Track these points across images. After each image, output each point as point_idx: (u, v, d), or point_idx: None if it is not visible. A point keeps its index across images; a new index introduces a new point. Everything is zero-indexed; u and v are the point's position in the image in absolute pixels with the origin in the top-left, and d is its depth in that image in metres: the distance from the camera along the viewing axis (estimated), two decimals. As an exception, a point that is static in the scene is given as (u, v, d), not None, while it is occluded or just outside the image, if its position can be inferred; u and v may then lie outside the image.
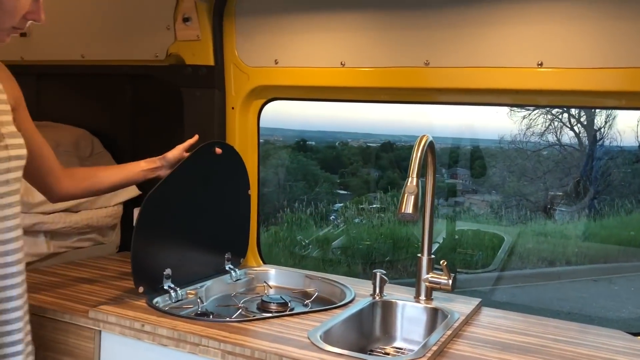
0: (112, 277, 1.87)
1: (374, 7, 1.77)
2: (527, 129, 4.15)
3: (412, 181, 1.48)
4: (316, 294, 1.79)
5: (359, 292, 1.74)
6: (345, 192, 4.99)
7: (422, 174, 1.56)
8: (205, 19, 1.96)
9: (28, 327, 1.28)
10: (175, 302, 1.62)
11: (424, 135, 1.57)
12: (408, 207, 1.45)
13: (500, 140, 4.25)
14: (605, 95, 1.60)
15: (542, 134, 4.18)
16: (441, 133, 4.20)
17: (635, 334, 1.57)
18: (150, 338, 1.39)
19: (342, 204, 4.88)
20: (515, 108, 4.01)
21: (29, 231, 1.89)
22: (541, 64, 1.59)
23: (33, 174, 1.38)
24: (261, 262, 2.12)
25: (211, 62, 1.99)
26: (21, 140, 1.24)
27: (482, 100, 1.80)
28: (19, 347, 1.23)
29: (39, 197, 1.80)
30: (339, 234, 4.70)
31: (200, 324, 1.41)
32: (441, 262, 1.67)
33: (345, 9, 1.82)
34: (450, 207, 4.47)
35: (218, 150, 1.75)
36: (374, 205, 4.83)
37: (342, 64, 1.83)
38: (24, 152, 1.24)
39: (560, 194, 4.30)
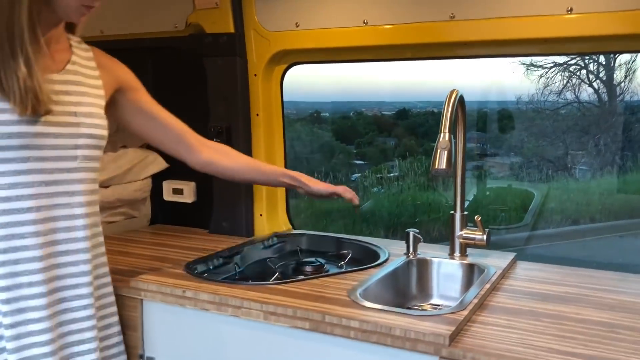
0: (147, 248, 1.89)
1: (396, -39, 1.74)
2: (545, 87, 4.01)
3: (444, 136, 1.46)
4: (350, 255, 1.80)
5: (393, 252, 1.74)
6: (362, 162, 4.90)
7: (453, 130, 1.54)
8: (223, -14, 1.93)
9: (101, 302, 1.32)
10: (212, 269, 1.64)
11: (454, 90, 1.55)
12: (442, 162, 1.44)
13: (518, 101, 4.14)
14: (634, 38, 1.56)
15: (560, 92, 4.05)
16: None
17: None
18: (192, 303, 1.41)
19: (359, 174, 4.82)
20: (532, 67, 3.89)
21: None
22: (571, 10, 1.55)
23: (164, 143, 1.52)
24: (291, 227, 2.13)
25: (231, 30, 1.97)
26: (98, 122, 1.27)
27: (510, 51, 1.77)
28: (91, 322, 1.27)
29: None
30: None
31: (240, 287, 1.43)
32: (475, 217, 1.66)
33: (365, -34, 1.78)
34: (469, 171, 4.41)
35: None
36: (392, 174, 4.78)
37: (364, 22, 1.80)
38: (97, 132, 1.27)
39: (581, 152, 4.20)
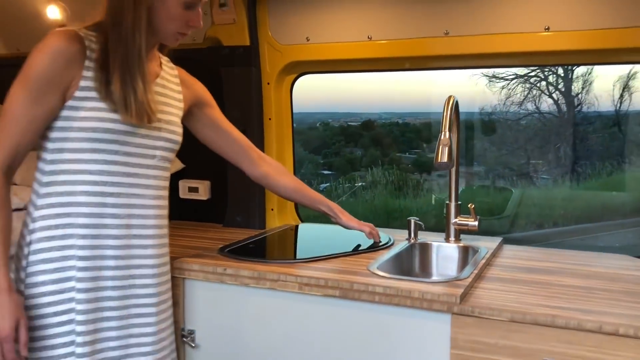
0: (173, 239, 2.08)
1: (397, -15, 2.00)
2: (507, 98, 4.15)
3: (445, 135, 1.72)
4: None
5: (396, 238, 1.99)
6: (330, 172, 5.01)
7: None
8: (240, 3, 2.16)
9: (160, 279, 1.51)
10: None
11: (451, 96, 1.81)
12: (443, 157, 1.70)
13: (481, 112, 4.28)
14: (603, 52, 1.85)
15: (521, 103, 4.18)
16: (424, 108, 4.18)
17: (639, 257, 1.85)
18: (233, 279, 1.63)
19: (327, 184, 4.89)
20: (494, 79, 4.04)
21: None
22: (548, 29, 1.83)
23: (229, 153, 1.78)
24: (299, 220, 2.36)
25: (247, 43, 2.20)
26: (175, 129, 1.50)
27: (496, 63, 2.06)
28: (153, 299, 1.48)
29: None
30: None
31: (275, 264, 1.65)
32: (469, 205, 1.92)
33: (370, -12, 2.04)
34: (434, 181, 4.51)
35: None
36: (361, 183, 4.83)
37: (369, 37, 2.06)
38: (174, 137, 1.50)
39: (541, 162, 4.37)
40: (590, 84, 3.90)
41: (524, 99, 4.13)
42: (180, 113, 1.56)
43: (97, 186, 1.36)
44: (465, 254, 1.89)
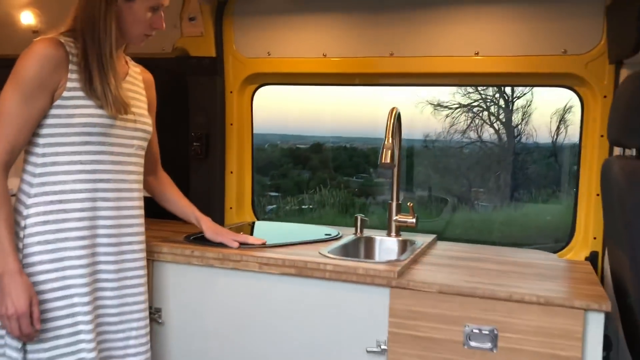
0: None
1: (350, 9, 2.27)
2: (450, 126, 4.25)
3: (388, 140, 1.98)
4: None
5: (344, 233, 2.23)
6: (277, 194, 4.96)
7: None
8: (208, 18, 2.39)
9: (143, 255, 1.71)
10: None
11: (394, 107, 2.08)
12: (387, 158, 1.96)
13: (425, 140, 4.36)
14: (523, 75, 2.17)
15: (464, 132, 4.29)
16: (371, 134, 4.20)
17: (554, 253, 2.16)
18: (199, 261, 1.83)
19: (274, 206, 4.85)
20: (439, 107, 4.12)
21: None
22: (477, 53, 2.14)
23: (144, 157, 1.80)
24: (255, 218, 2.57)
25: (213, 54, 2.42)
26: (147, 120, 1.70)
27: (433, 81, 2.35)
28: (142, 272, 1.70)
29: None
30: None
31: (238, 249, 1.86)
32: (408, 203, 2.18)
33: (326, 11, 2.30)
34: (379, 205, 4.48)
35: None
36: (310, 205, 4.81)
37: (324, 55, 2.32)
38: (147, 128, 1.70)
39: (482, 190, 4.49)
40: (529, 115, 3.99)
41: (466, 128, 4.25)
42: (146, 107, 1.75)
43: (90, 174, 1.55)
44: (404, 245, 2.15)
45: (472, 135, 4.26)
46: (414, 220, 2.18)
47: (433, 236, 2.25)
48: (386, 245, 2.18)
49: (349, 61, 2.30)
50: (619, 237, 1.47)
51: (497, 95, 4.26)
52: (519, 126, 4.13)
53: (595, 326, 1.49)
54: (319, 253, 1.83)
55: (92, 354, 1.54)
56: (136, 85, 1.73)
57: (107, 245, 1.59)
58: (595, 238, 2.09)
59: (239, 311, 1.81)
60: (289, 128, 4.62)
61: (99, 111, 1.53)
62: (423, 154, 4.47)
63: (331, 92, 3.96)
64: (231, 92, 2.48)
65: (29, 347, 1.51)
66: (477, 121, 4.24)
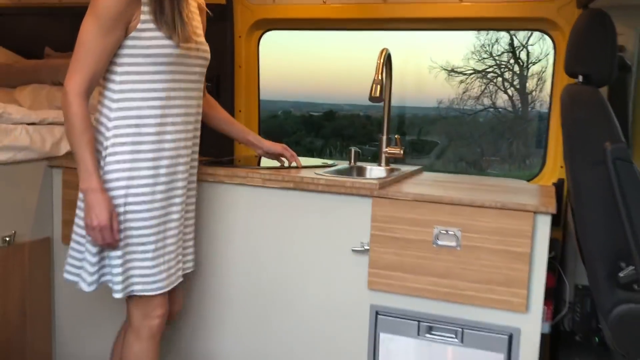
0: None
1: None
2: (464, 92, 4.25)
3: (378, 76, 2.23)
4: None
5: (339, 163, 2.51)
6: None
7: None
8: (220, -31, 2.62)
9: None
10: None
11: (384, 48, 2.32)
12: (376, 92, 2.21)
13: (439, 106, 4.33)
14: (502, 20, 2.40)
15: (478, 98, 4.29)
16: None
17: (528, 181, 2.42)
18: (211, 177, 2.11)
19: None
20: (453, 73, 4.10)
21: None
22: (462, 0, 2.37)
23: None
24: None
25: (223, 1, 2.67)
26: (206, 48, 1.85)
27: (420, 26, 2.58)
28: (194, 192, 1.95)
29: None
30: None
31: (245, 168, 2.14)
32: (395, 136, 2.44)
33: (326, -39, 2.54)
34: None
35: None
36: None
37: (323, 1, 2.56)
38: (207, 55, 1.85)
39: (495, 158, 4.48)
40: (544, 82, 3.89)
41: (480, 94, 4.25)
42: (202, 34, 1.86)
43: (161, 100, 1.73)
44: (391, 172, 2.42)
45: (486, 102, 4.28)
46: (401, 151, 2.45)
47: (419, 167, 2.51)
48: (375, 173, 2.45)
49: (346, 7, 2.54)
50: (564, 151, 1.73)
51: (512, 61, 4.24)
52: (533, 93, 4.14)
53: (543, 226, 1.76)
54: (315, 173, 2.11)
55: (156, 261, 1.77)
56: (194, 12, 1.83)
57: (184, 164, 1.82)
58: (562, 167, 2.34)
59: (244, 221, 2.10)
60: (302, 95, 4.62)
61: (169, 41, 1.68)
62: (436, 121, 4.47)
63: (346, 59, 3.91)
64: (240, 36, 2.73)
65: (105, 253, 1.74)
66: (491, 87, 4.27)
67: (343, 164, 2.45)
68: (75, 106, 1.64)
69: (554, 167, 2.41)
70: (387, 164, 2.48)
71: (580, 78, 1.72)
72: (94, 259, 1.73)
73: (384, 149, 2.47)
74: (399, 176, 2.18)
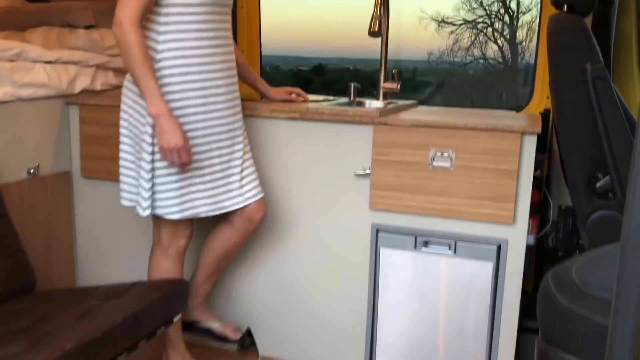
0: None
1: None
2: (454, 43, 4.30)
3: (376, 11, 2.36)
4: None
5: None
6: None
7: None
8: None
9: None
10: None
11: (381, -10, 2.43)
12: (375, 27, 2.34)
13: (429, 59, 4.36)
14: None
15: (468, 49, 4.33)
16: (374, 55, 4.26)
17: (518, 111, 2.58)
18: (221, 110, 2.25)
19: None
20: (443, 24, 4.11)
21: (103, 67, 2.65)
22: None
23: None
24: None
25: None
26: None
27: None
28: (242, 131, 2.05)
29: (109, 41, 2.59)
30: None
31: (250, 102, 2.28)
32: (393, 70, 2.58)
33: None
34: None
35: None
36: None
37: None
38: None
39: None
40: (534, 32, 3.66)
41: (470, 45, 4.31)
42: None
43: (205, 32, 1.83)
44: (388, 105, 2.57)
45: (476, 53, 4.33)
46: (397, 86, 2.59)
47: (415, 101, 2.66)
48: (374, 105, 2.60)
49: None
50: (550, 77, 1.88)
51: (502, 10, 4.28)
52: (523, 43, 4.16)
53: (529, 146, 1.93)
54: (318, 104, 2.26)
55: (203, 178, 1.91)
56: None
57: (222, 94, 1.90)
58: (548, 97, 2.50)
59: (253, 152, 2.26)
60: (290, 50, 4.58)
61: None
62: (427, 73, 4.48)
63: (334, 12, 3.93)
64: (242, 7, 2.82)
65: (155, 178, 1.86)
66: (481, 38, 4.32)
67: (343, 99, 2.60)
68: (134, 36, 1.70)
69: (541, 99, 2.56)
70: (384, 98, 2.63)
71: (565, 8, 1.86)
72: (147, 185, 1.86)
73: (382, 84, 2.62)
74: (396, 107, 2.33)
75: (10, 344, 1.44)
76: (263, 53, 3.02)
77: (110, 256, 2.53)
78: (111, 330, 1.47)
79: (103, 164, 2.42)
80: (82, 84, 2.50)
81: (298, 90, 2.38)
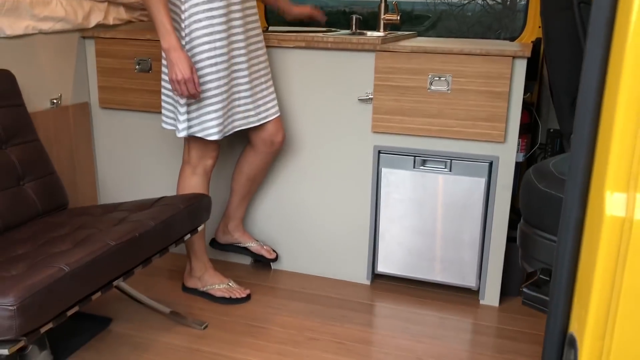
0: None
1: None
2: None
3: (377, -56, 2.46)
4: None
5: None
6: None
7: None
8: None
9: None
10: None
11: None
12: (375, -41, 2.45)
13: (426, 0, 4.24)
14: None
15: None
16: None
17: (512, 41, 2.71)
18: (231, 40, 2.39)
19: None
20: None
21: (114, 2, 2.76)
22: None
23: None
24: (266, 24, 3.09)
25: None
26: None
27: None
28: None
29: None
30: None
31: (264, 31, 2.42)
32: (393, 2, 2.70)
33: None
34: None
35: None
36: None
37: None
38: None
39: None
40: None
41: None
42: None
43: None
44: (390, 34, 2.70)
45: None
46: (398, 17, 2.72)
47: (415, 33, 2.79)
48: (376, 35, 2.73)
49: None
50: (540, 6, 2.02)
51: None
52: None
53: (519, 69, 2.09)
54: (323, 34, 2.40)
55: (222, 112, 2.04)
56: None
57: (239, 33, 2.06)
58: (540, 27, 2.63)
59: (263, 79, 2.41)
60: None
61: None
62: (424, 13, 4.33)
63: None
64: None
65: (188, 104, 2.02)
66: None
67: (346, 30, 2.72)
68: None
69: (533, 29, 2.69)
70: (385, 29, 2.75)
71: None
72: (183, 109, 2.04)
73: (382, 16, 2.74)
74: (397, 36, 2.47)
75: (59, 244, 1.64)
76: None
77: (128, 180, 2.72)
78: (148, 232, 1.67)
79: (119, 94, 2.58)
80: (96, 18, 2.62)
81: (318, 11, 2.54)
